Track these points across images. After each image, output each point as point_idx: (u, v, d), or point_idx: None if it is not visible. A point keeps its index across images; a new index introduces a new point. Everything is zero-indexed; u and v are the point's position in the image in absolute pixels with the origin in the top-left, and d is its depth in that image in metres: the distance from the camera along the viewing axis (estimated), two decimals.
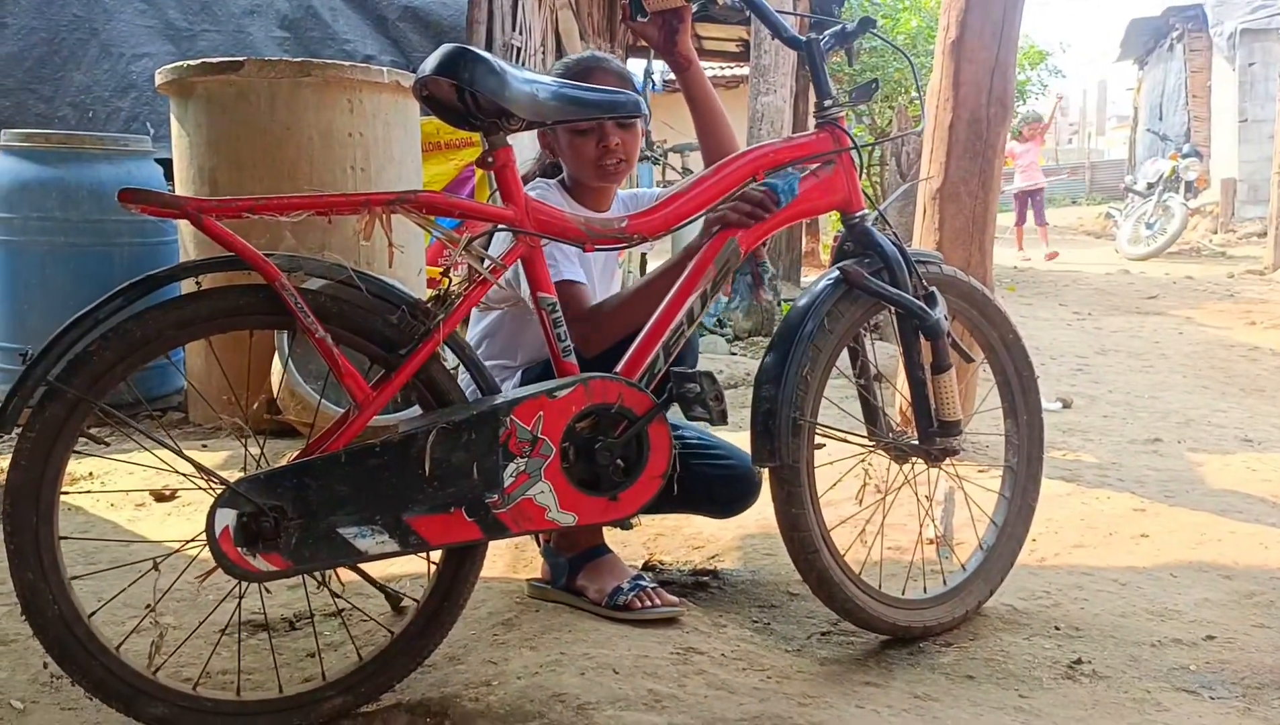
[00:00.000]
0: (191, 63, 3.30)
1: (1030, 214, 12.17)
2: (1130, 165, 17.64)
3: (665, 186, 6.68)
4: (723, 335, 5.53)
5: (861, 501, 1.92)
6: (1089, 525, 2.53)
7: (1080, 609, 2.06)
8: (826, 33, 1.84)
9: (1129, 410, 3.91)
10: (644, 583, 1.94)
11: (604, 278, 2.09)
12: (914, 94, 9.88)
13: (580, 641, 1.79)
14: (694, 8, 1.93)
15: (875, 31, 1.84)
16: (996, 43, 2.93)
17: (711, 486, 2.02)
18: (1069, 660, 1.83)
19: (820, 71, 1.84)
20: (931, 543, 2.30)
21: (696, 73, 2.01)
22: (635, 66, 10.52)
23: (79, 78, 4.82)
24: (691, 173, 6.63)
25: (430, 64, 1.53)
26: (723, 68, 15.52)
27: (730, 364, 4.56)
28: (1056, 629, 1.97)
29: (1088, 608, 2.07)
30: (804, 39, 1.84)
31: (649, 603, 1.91)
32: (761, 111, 5.63)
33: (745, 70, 11.16)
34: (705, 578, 2.23)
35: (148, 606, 1.62)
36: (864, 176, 1.91)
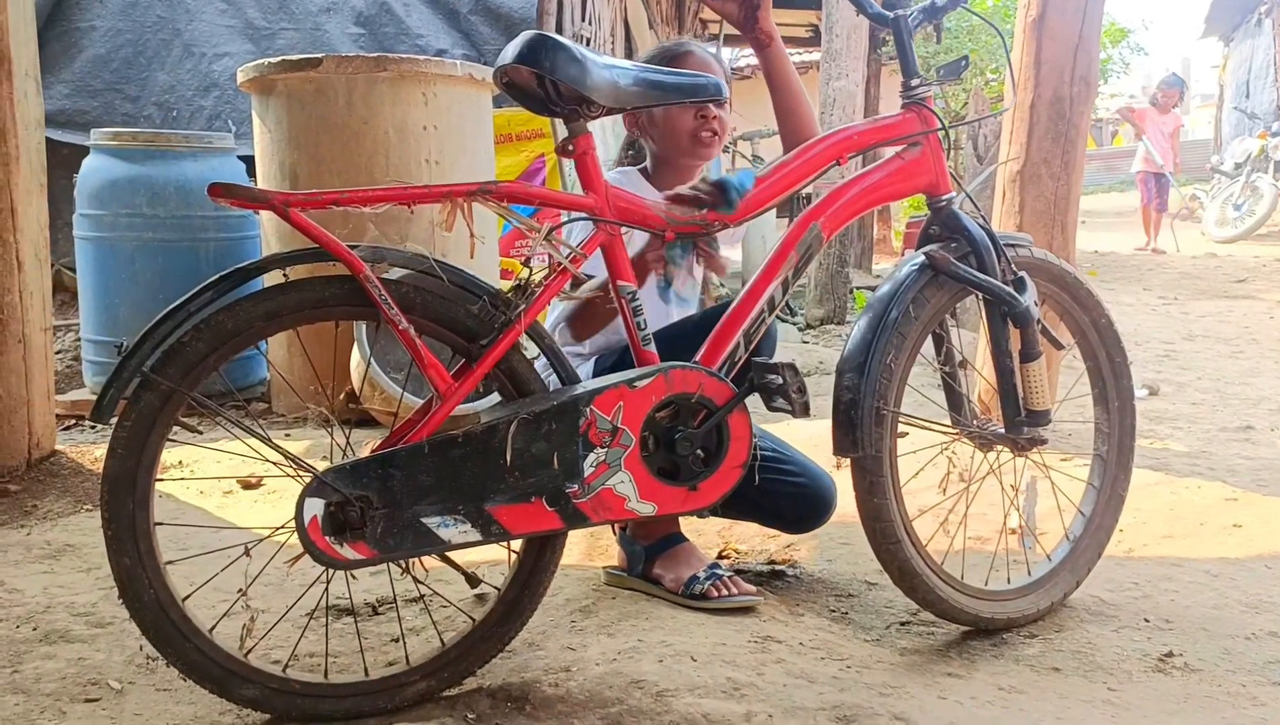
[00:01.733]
0: (272, 61, 3.37)
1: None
2: (1216, 145, 17.04)
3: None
4: (794, 323, 5.49)
5: (945, 490, 1.88)
6: (1178, 515, 2.46)
7: (1171, 601, 2.01)
8: (914, 7, 1.79)
9: (1219, 397, 3.79)
10: (720, 571, 1.93)
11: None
12: (989, 75, 9.68)
13: (658, 629, 1.80)
14: None
15: (966, 6, 1.79)
16: (1080, 19, 2.86)
17: (780, 503, 2.01)
18: (1160, 653, 1.79)
19: (908, 49, 1.78)
20: (1014, 533, 2.25)
21: (778, 50, 1.97)
22: None
23: (163, 77, 4.96)
24: (762, 161, 6.59)
25: (510, 52, 1.52)
26: (793, 53, 15.37)
27: (803, 352, 4.52)
28: (1146, 621, 1.91)
29: (1178, 599, 2.01)
30: (891, 14, 1.78)
31: (726, 591, 1.90)
32: (834, 97, 5.55)
33: (816, 55, 11.04)
34: (781, 567, 2.22)
35: (240, 591, 1.66)
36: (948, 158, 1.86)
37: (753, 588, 1.95)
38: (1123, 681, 1.70)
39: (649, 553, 1.99)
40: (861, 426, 1.68)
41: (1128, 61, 14.59)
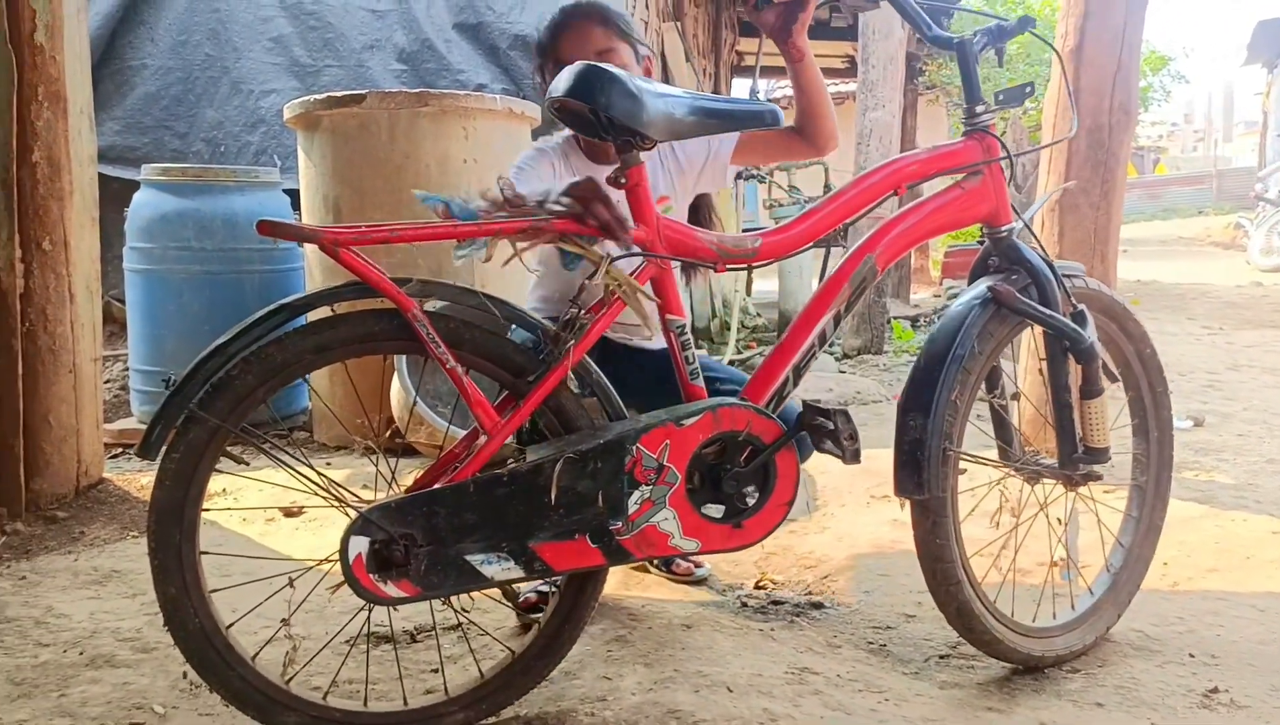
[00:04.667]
0: (317, 97, 3.44)
1: None
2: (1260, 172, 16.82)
3: (772, 205, 6.63)
4: (831, 353, 5.48)
5: (998, 525, 1.84)
6: (1224, 549, 2.42)
7: (1216, 635, 1.97)
8: (978, 31, 1.73)
9: (1266, 428, 3.73)
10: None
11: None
12: (1027, 104, 9.64)
13: (694, 659, 1.79)
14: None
15: (1034, 31, 1.71)
16: (1118, 48, 2.85)
17: None
18: (1205, 689, 1.75)
19: (973, 74, 1.72)
20: (1055, 565, 2.23)
21: (808, 66, 1.92)
22: (740, 87, 10.53)
23: (211, 114, 5.08)
24: (799, 191, 6.59)
25: (563, 85, 1.51)
26: (830, 84, 15.38)
27: (839, 382, 4.51)
28: (1191, 656, 1.88)
29: (1224, 634, 1.98)
30: (955, 38, 1.73)
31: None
32: (870, 127, 5.56)
33: (852, 86, 11.04)
34: (818, 598, 2.21)
35: (283, 620, 1.68)
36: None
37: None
38: (1166, 717, 1.68)
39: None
40: (929, 467, 1.63)
41: (1169, 89, 14.42)
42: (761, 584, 2.31)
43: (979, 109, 1.74)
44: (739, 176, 7.03)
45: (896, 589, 2.21)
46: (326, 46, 5.10)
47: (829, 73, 13.14)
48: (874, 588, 2.25)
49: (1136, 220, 17.38)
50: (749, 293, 6.70)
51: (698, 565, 2.30)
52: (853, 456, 1.60)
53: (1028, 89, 1.74)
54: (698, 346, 5.40)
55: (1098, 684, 1.78)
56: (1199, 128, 32.78)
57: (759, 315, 6.81)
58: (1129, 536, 1.98)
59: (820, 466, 3.06)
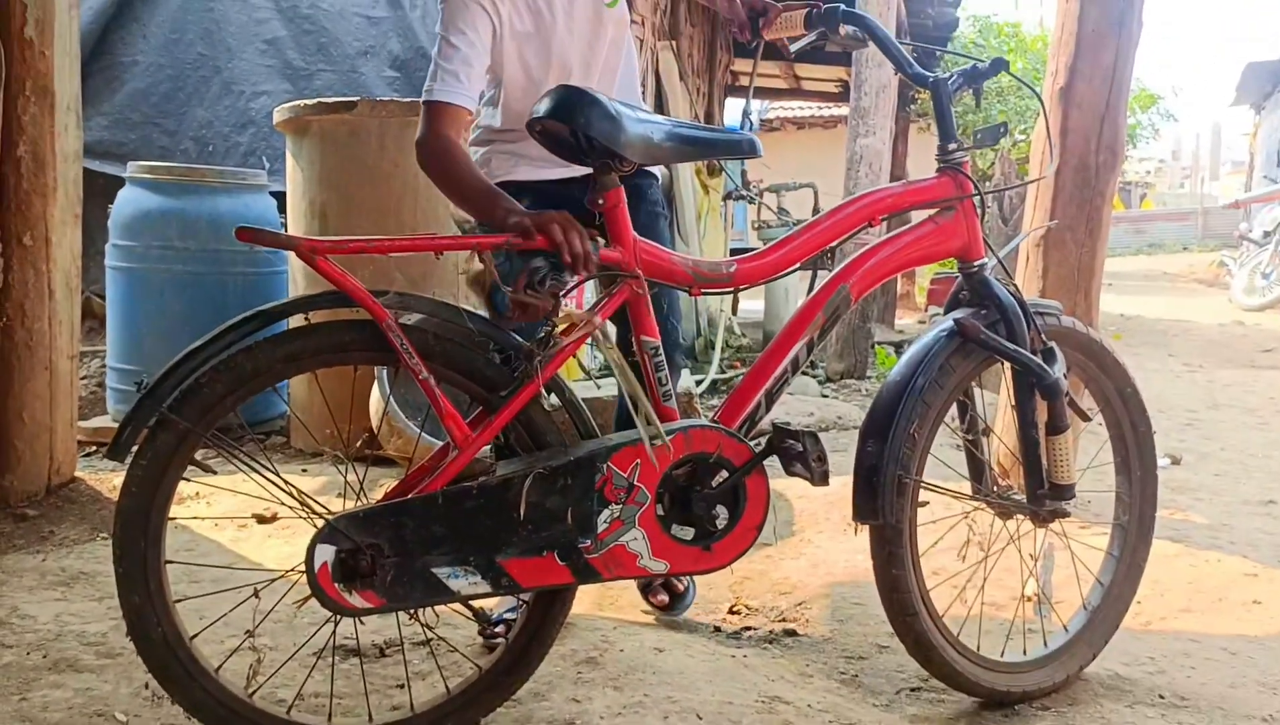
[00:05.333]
0: (308, 102, 3.43)
1: None
2: (1245, 212, 17.00)
3: (760, 226, 6.65)
4: (814, 376, 5.48)
5: (965, 558, 1.85)
6: (1198, 589, 2.42)
7: (1187, 677, 1.97)
8: (955, 71, 1.77)
9: (1242, 469, 3.74)
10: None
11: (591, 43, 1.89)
12: (1016, 136, 9.72)
13: (664, 684, 1.78)
14: (811, 37, 1.86)
15: (1009, 71, 1.74)
16: (1107, 88, 2.87)
17: None
18: None
19: (947, 113, 1.75)
20: (1029, 600, 2.23)
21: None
22: (733, 106, 10.56)
23: (201, 113, 5.05)
24: (788, 212, 6.62)
25: (544, 106, 1.53)
26: (820, 108, 15.49)
27: (821, 407, 4.50)
28: (1161, 698, 1.88)
29: (1195, 676, 1.98)
30: (930, 77, 1.76)
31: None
32: (860, 153, 5.58)
33: (844, 110, 11.11)
34: (792, 625, 2.20)
35: (247, 632, 1.66)
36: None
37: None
38: None
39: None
40: (883, 494, 1.65)
41: (1158, 127, 14.61)
42: (735, 609, 2.30)
43: (952, 146, 1.77)
44: (728, 197, 7.05)
45: (870, 618, 2.20)
46: (320, 51, 5.08)
47: (821, 96, 13.23)
48: (848, 616, 2.25)
49: (1122, 254, 17.51)
50: (734, 312, 6.70)
51: (669, 606, 2.18)
52: (821, 478, 1.61)
53: (1002, 129, 1.78)
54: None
55: (1068, 723, 1.78)
56: (1186, 165, 33.13)
57: (744, 335, 6.82)
58: (1109, 575, 1.98)
59: (798, 491, 3.05)
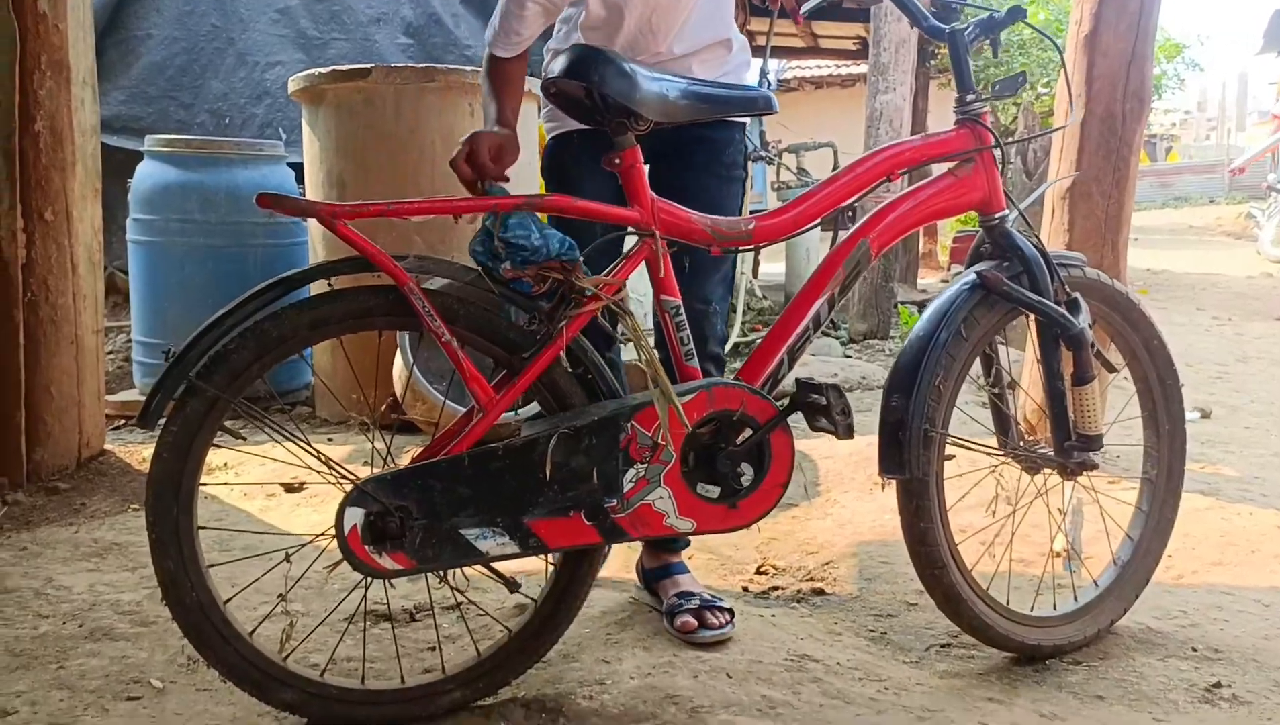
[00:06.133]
0: (322, 71, 3.42)
1: None
2: (1273, 163, 16.71)
3: (780, 187, 6.60)
4: (837, 337, 5.45)
5: (994, 513, 1.84)
6: (1229, 542, 2.40)
7: (1220, 630, 1.96)
8: (971, 22, 1.75)
9: (1273, 421, 3.71)
10: (697, 602, 1.85)
11: None
12: (1040, 89, 9.56)
13: (693, 644, 1.78)
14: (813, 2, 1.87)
15: (1026, 20, 1.73)
16: (1133, 35, 2.81)
17: None
18: (1207, 683, 1.74)
19: (964, 64, 1.74)
20: (1059, 556, 2.22)
21: None
22: (751, 67, 10.44)
23: (216, 85, 5.05)
24: (807, 173, 6.55)
25: (559, 65, 1.54)
26: (838, 66, 15.30)
27: (845, 367, 4.48)
28: (1194, 650, 1.87)
29: (1228, 629, 1.97)
30: (946, 29, 1.75)
31: (697, 625, 1.81)
32: (880, 110, 5.51)
33: (862, 68, 10.95)
34: (819, 584, 2.20)
35: (280, 596, 1.68)
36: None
37: (727, 619, 1.84)
38: (1169, 712, 1.66)
39: (649, 577, 1.98)
40: (909, 448, 1.65)
41: (1183, 77, 14.32)
42: (763, 569, 2.30)
43: (970, 98, 1.76)
44: (747, 158, 6.99)
45: (898, 577, 2.19)
46: (333, 19, 5.06)
47: (839, 54, 13.06)
48: (875, 575, 2.24)
49: (1147, 208, 17.28)
50: (755, 275, 6.66)
51: (706, 623, 1.83)
52: (845, 431, 1.61)
53: (1021, 79, 1.77)
54: None
55: (1099, 677, 1.77)
56: (1212, 116, 32.53)
57: (765, 297, 6.78)
58: (1138, 530, 1.96)
59: (824, 452, 3.04)
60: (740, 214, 1.81)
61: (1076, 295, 1.75)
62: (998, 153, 1.77)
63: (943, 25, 1.76)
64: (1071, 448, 1.79)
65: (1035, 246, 1.74)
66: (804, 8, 1.91)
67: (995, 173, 1.76)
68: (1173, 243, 11.62)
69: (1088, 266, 1.85)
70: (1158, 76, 13.28)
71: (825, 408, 1.60)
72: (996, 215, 1.76)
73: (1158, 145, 23.36)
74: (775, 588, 2.20)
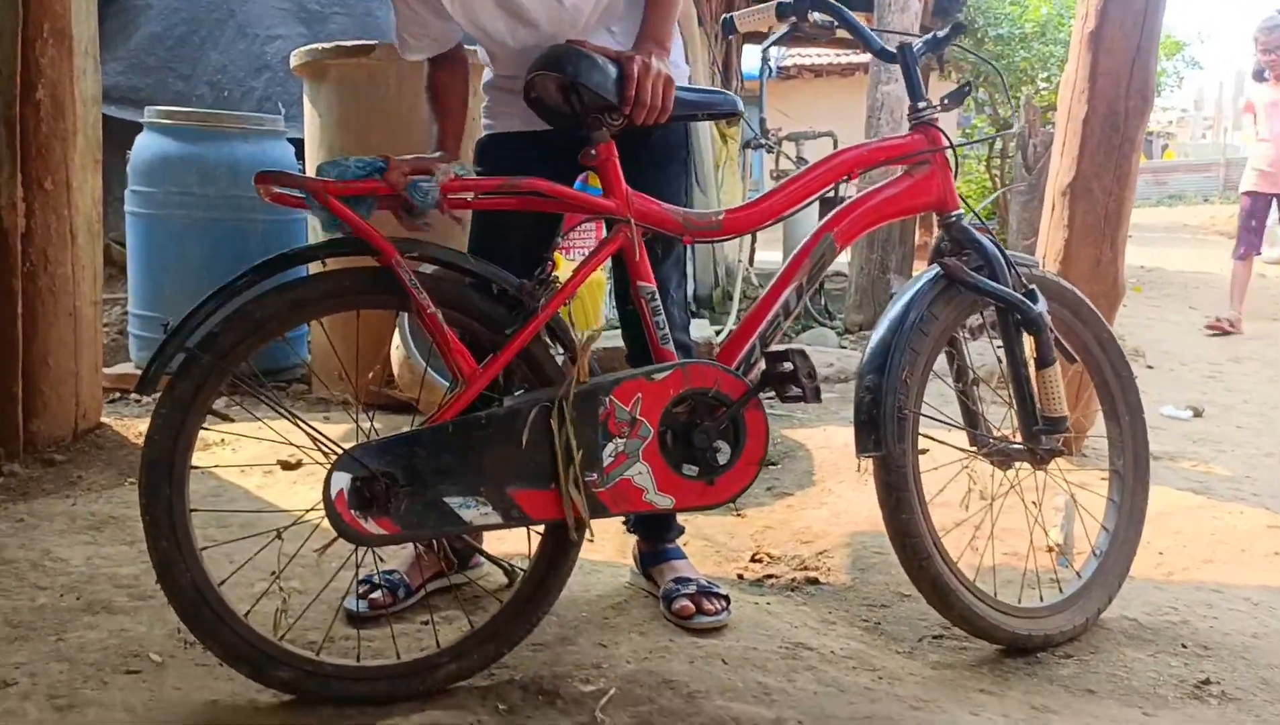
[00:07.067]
0: (325, 46, 3.40)
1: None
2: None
3: (779, 175, 6.62)
4: (833, 327, 5.46)
5: (967, 508, 1.88)
6: (1220, 540, 2.42)
7: (1209, 627, 1.98)
8: (919, 40, 1.88)
9: (1265, 421, 3.73)
10: (694, 588, 1.87)
11: None
12: (1040, 84, 9.54)
13: (689, 630, 1.80)
14: (783, 29, 1.98)
15: (959, 44, 1.88)
16: (1138, 33, 2.81)
17: None
18: (1196, 679, 1.76)
19: (914, 77, 1.86)
20: (1049, 551, 2.24)
21: None
22: (752, 54, 10.41)
23: (216, 57, 5.01)
24: (806, 161, 6.55)
25: (536, 63, 1.60)
26: (839, 55, 15.26)
27: (841, 357, 4.49)
28: (1184, 647, 1.89)
29: (1217, 626, 1.99)
30: (894, 50, 1.87)
31: (695, 610, 1.83)
32: (881, 100, 5.50)
33: (862, 58, 10.92)
34: (814, 573, 2.21)
35: (273, 574, 1.68)
36: (984, 168, 1.91)
37: (723, 605, 1.86)
38: (1158, 706, 1.68)
39: (645, 560, 1.99)
40: (885, 424, 1.69)
41: (1182, 75, 14.27)
42: (757, 557, 2.32)
43: (922, 105, 1.86)
44: (746, 145, 6.97)
45: (892, 567, 2.20)
46: None
47: (840, 43, 13.02)
48: (869, 565, 2.26)
49: (1142, 206, 17.30)
50: (751, 263, 6.66)
51: (703, 609, 1.84)
52: (813, 394, 1.66)
53: (965, 88, 1.93)
54: (699, 316, 5.39)
55: (1090, 671, 1.79)
56: (1209, 115, 32.56)
57: (760, 286, 6.80)
58: (1112, 520, 2.00)
59: (819, 442, 3.06)
60: (686, 194, 1.92)
61: (1033, 287, 1.82)
62: (950, 155, 1.87)
63: (890, 49, 1.88)
64: (1039, 432, 1.83)
65: (992, 242, 1.83)
66: (768, 42, 2.05)
67: (949, 174, 1.86)
68: (1167, 241, 11.65)
69: (1036, 268, 1.94)
70: (1158, 74, 13.24)
71: (793, 373, 1.65)
72: (953, 213, 1.85)
73: (1154, 143, 23.39)
74: (770, 576, 2.22)
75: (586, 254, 1.65)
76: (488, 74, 2.00)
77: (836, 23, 1.88)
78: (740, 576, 2.21)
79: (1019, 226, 6.95)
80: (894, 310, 1.79)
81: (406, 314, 2.85)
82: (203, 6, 5.04)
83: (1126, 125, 2.86)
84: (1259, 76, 5.91)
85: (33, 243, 2.68)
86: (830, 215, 1.82)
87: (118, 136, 4.14)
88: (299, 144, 3.71)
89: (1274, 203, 5.95)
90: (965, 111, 10.49)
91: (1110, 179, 2.88)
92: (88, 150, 2.83)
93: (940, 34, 1.88)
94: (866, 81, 5.70)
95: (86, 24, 2.81)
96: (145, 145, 3.72)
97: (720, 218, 1.73)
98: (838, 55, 15.38)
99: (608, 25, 1.79)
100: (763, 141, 6.36)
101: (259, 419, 1.90)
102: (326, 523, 1.48)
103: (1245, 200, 6.01)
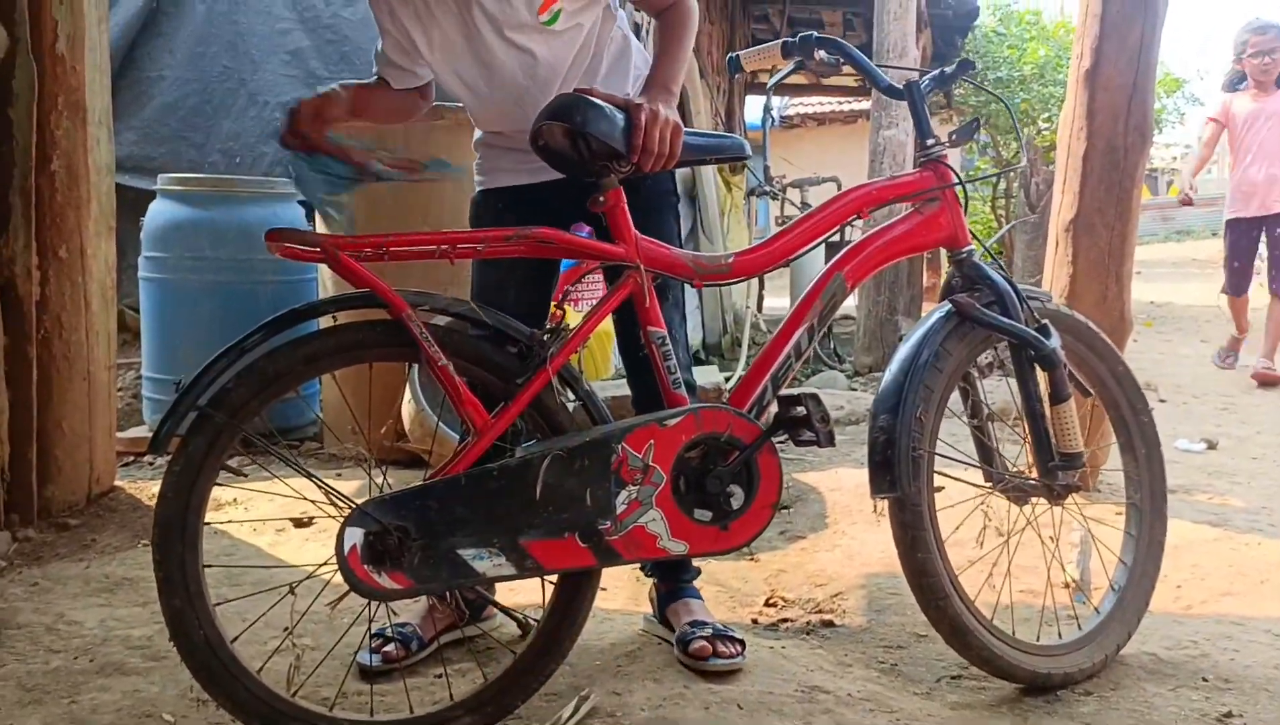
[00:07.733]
0: None
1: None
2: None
3: (784, 221, 6.68)
4: (842, 371, 5.46)
5: (982, 544, 1.87)
6: (1239, 572, 2.40)
7: (1230, 660, 1.95)
8: (926, 77, 1.87)
9: None
10: (710, 631, 1.85)
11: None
12: (1041, 124, 9.62)
13: (704, 677, 1.78)
14: (790, 66, 1.99)
15: (966, 78, 1.86)
16: (1134, 69, 2.84)
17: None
18: (1218, 713, 1.74)
19: (922, 114, 1.85)
20: (1067, 587, 2.22)
21: None
22: (754, 104, 10.54)
23: (228, 125, 5.10)
24: (811, 207, 6.60)
25: (544, 112, 1.61)
26: (841, 103, 15.43)
27: (851, 400, 4.49)
28: (1204, 680, 1.86)
29: (1238, 659, 1.96)
30: (902, 86, 1.86)
31: (711, 652, 1.82)
32: (883, 145, 5.56)
33: (864, 105, 11.03)
34: (829, 616, 2.20)
35: (285, 630, 1.69)
36: (989, 207, 1.92)
37: (738, 649, 1.84)
38: None
39: (662, 601, 1.99)
40: (899, 464, 1.68)
41: (1183, 112, 14.35)
42: (771, 601, 2.30)
43: (930, 142, 1.85)
44: (751, 193, 7.03)
45: (907, 608, 2.19)
46: (343, 60, 5.12)
47: (842, 90, 13.17)
48: (885, 606, 2.24)
49: (1150, 242, 17.34)
50: (760, 309, 6.69)
51: (719, 651, 1.83)
52: (827, 438, 1.65)
53: (974, 124, 1.93)
54: (708, 362, 5.39)
55: (1111, 707, 1.77)
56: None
57: (769, 332, 6.83)
58: (1130, 554, 1.98)
59: (831, 484, 3.05)
60: (679, 236, 1.93)
61: (1045, 321, 1.81)
62: (960, 191, 1.86)
63: (897, 85, 1.88)
64: (1055, 468, 1.82)
65: (1004, 277, 1.81)
66: (773, 80, 2.08)
67: (959, 210, 1.85)
68: (1176, 276, 11.64)
69: (1049, 301, 1.93)
70: (1158, 111, 13.31)
71: (806, 418, 1.64)
72: (964, 249, 1.84)
73: (1159, 179, 23.42)
74: (785, 620, 2.20)
75: (594, 303, 1.66)
76: (477, 132, 2.03)
77: (842, 60, 1.87)
78: (755, 621, 2.20)
79: (1024, 264, 6.97)
80: (906, 348, 1.78)
81: (416, 367, 2.88)
82: (214, 77, 5.14)
83: (1126, 161, 2.88)
84: (1231, 87, 5.36)
85: (47, 309, 2.72)
86: (840, 254, 1.81)
87: (132, 204, 4.21)
88: (309, 205, 3.76)
89: (1263, 229, 5.54)
90: (968, 154, 10.58)
91: (1112, 214, 2.90)
92: (101, 218, 2.88)
93: (948, 70, 1.87)
94: (869, 127, 5.76)
95: (100, 95, 2.87)
96: (158, 212, 3.78)
97: (730, 260, 1.72)
98: (840, 103, 15.54)
99: (590, 84, 1.78)
100: (767, 189, 6.42)
101: (273, 476, 1.91)
102: (339, 578, 1.48)
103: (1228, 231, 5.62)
